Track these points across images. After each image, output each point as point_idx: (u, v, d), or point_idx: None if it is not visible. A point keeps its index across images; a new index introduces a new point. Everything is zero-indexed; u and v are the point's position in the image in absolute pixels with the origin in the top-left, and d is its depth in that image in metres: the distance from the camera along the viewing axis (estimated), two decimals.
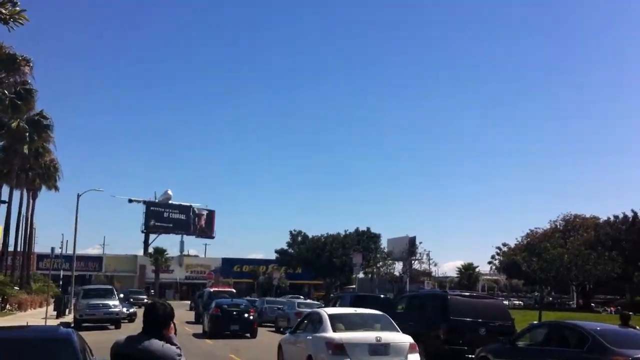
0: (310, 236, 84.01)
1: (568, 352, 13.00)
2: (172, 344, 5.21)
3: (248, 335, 29.62)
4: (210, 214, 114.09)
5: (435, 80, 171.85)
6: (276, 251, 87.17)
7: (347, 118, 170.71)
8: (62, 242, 71.62)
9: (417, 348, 14.76)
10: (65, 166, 77.30)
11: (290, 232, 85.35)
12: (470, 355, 16.93)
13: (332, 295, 56.52)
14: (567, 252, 45.11)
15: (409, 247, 73.63)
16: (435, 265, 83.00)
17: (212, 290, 45.24)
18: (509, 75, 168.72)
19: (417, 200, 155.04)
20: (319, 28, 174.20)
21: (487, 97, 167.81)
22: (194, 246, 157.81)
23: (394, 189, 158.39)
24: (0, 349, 7.56)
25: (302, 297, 58.87)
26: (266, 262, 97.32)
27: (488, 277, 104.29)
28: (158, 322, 5.24)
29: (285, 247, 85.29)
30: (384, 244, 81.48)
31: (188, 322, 39.57)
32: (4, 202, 49.99)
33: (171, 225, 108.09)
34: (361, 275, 76.60)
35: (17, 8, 17.76)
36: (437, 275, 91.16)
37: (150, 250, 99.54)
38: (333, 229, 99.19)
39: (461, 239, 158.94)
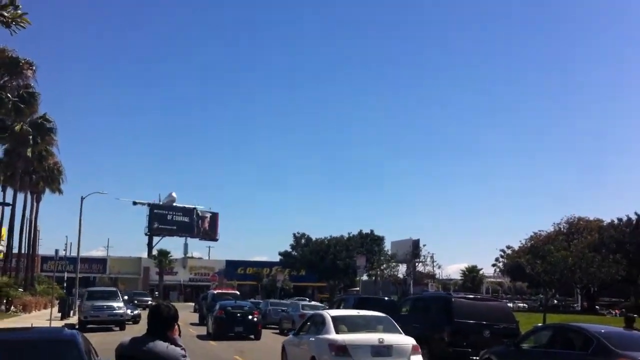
0: (314, 239, 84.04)
1: (573, 354, 12.97)
2: (177, 345, 5.22)
3: (252, 337, 29.67)
4: (214, 217, 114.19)
5: (436, 80, 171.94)
6: (280, 253, 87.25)
7: (350, 119, 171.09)
8: (66, 244, 71.78)
9: (420, 350, 14.81)
10: (69, 169, 77.77)
11: (294, 234, 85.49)
12: (474, 358, 16.90)
13: (335, 297, 56.51)
14: (571, 254, 45.03)
15: (413, 250, 73.52)
16: (439, 267, 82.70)
17: (216, 292, 45.32)
18: (512, 76, 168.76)
19: (421, 203, 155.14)
20: (319, 28, 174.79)
21: (490, 98, 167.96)
22: (198, 249, 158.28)
23: (398, 191, 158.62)
24: (5, 350, 7.60)
25: (307, 299, 58.84)
26: (270, 265, 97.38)
27: (492, 279, 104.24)
28: (162, 323, 5.25)
29: (289, 250, 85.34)
30: (387, 246, 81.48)
31: (192, 324, 39.68)
32: (7, 204, 50.20)
33: (175, 227, 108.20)
34: (365, 277, 76.58)
35: (19, 11, 17.75)
36: (441, 278, 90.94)
37: (154, 252, 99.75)
38: (337, 231, 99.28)
39: (465, 242, 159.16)
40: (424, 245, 75.12)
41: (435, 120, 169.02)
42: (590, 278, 49.96)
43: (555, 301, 70.21)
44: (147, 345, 5.14)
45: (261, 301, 50.06)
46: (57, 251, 50.01)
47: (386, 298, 37.59)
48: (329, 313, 16.26)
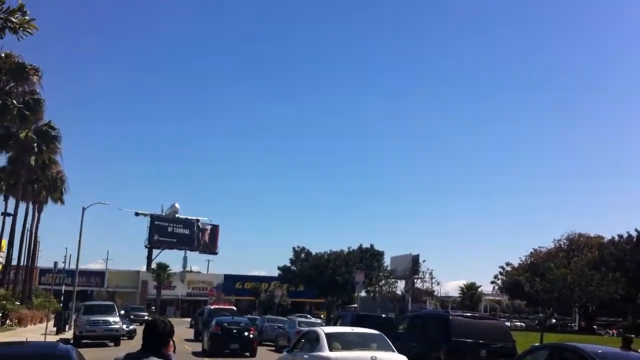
0: (313, 253, 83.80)
1: None
2: None
3: (247, 354, 29.47)
4: (214, 229, 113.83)
5: (438, 96, 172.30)
6: (279, 268, 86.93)
7: (350, 134, 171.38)
8: (65, 256, 71.70)
9: None
10: (71, 178, 77.58)
11: (294, 248, 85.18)
12: None
13: (333, 314, 56.30)
14: (571, 272, 44.88)
15: (412, 265, 73.28)
16: (438, 284, 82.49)
17: (212, 307, 45.10)
18: (513, 93, 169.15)
19: (421, 218, 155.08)
20: (318, 38, 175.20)
21: (491, 114, 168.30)
22: (197, 262, 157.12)
23: (398, 206, 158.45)
24: None
25: (309, 315, 58.51)
26: (268, 279, 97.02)
27: (491, 297, 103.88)
28: (157, 339, 5.24)
29: (288, 264, 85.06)
30: (387, 261, 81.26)
31: (187, 340, 39.37)
32: (9, 214, 49.82)
33: (175, 240, 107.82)
34: (363, 293, 76.25)
35: (27, 17, 17.81)
36: (439, 295, 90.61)
37: (153, 265, 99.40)
38: (337, 245, 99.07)
39: (465, 257, 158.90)
40: (424, 261, 74.91)
41: (438, 137, 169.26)
42: (589, 297, 49.72)
43: (554, 320, 69.92)
44: None
45: (258, 317, 49.84)
46: (55, 263, 50.02)
47: (383, 315, 37.47)
48: (323, 330, 16.22)
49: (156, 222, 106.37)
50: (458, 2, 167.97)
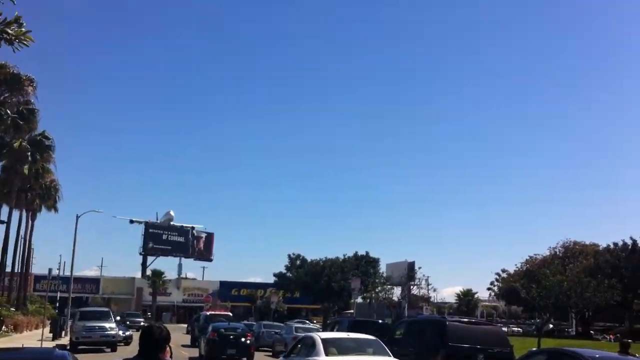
0: (309, 260, 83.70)
1: None
2: None
3: (245, 359, 29.43)
4: (209, 237, 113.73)
5: (432, 103, 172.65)
6: (275, 275, 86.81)
7: (347, 143, 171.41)
8: (59, 263, 71.38)
9: None
10: (65, 187, 77.50)
11: (289, 255, 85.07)
12: None
13: (329, 320, 56.16)
14: (567, 279, 44.99)
15: (408, 272, 73.39)
16: (434, 290, 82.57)
17: (208, 313, 45.02)
18: (506, 100, 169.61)
19: (415, 227, 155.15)
20: (322, 53, 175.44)
21: (486, 122, 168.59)
22: (192, 269, 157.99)
23: (392, 216, 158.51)
24: None
25: (307, 321, 58.33)
26: (264, 286, 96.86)
27: (487, 303, 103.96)
28: (154, 345, 5.22)
29: (284, 271, 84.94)
30: (382, 268, 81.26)
31: (184, 346, 39.33)
32: (2, 222, 49.89)
33: (169, 247, 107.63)
34: (359, 300, 76.23)
35: (23, 29, 17.78)
36: (435, 301, 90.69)
37: (148, 272, 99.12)
38: (332, 253, 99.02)
39: (460, 265, 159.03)
40: (419, 268, 75.07)
41: (435, 145, 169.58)
42: (585, 303, 49.88)
43: (551, 325, 69.99)
44: None
45: (254, 323, 49.73)
46: (50, 270, 49.94)
47: (380, 321, 37.41)
48: (319, 335, 16.30)
49: (151, 230, 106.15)
50: (450, 14, 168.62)
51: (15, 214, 53.27)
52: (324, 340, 15.28)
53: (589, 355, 12.88)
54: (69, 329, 40.50)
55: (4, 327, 42.63)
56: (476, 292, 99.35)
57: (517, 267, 76.87)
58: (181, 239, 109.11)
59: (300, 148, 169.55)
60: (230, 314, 47.33)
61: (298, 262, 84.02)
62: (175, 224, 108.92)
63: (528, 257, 77.51)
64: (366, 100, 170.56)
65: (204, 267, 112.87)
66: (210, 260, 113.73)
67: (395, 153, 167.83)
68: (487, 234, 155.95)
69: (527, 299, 49.74)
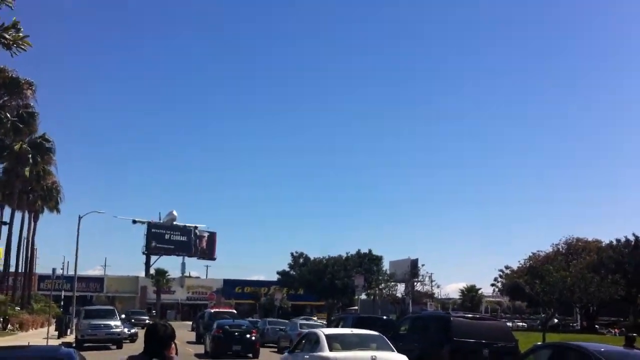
0: (312, 258, 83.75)
1: None
2: None
3: (250, 355, 29.58)
4: (212, 236, 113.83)
5: (435, 102, 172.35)
6: (278, 273, 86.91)
7: (348, 142, 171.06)
8: (63, 263, 71.65)
9: None
10: (67, 188, 77.67)
11: (292, 253, 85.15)
12: None
13: (333, 316, 56.24)
14: (570, 275, 44.98)
15: (411, 269, 73.29)
16: (438, 287, 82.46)
17: (213, 311, 45.12)
18: (509, 98, 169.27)
19: (419, 224, 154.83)
20: (322, 53, 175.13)
21: (490, 119, 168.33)
22: (195, 268, 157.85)
23: (395, 213, 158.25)
24: None
25: (315, 318, 58.31)
26: (268, 284, 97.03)
27: (491, 298, 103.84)
28: (159, 342, 5.24)
29: (287, 269, 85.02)
30: (386, 266, 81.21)
31: (189, 342, 39.52)
32: (5, 223, 50.21)
33: (172, 247, 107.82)
34: (364, 296, 76.23)
35: (21, 34, 17.87)
36: (439, 297, 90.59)
37: (152, 271, 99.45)
38: (335, 251, 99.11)
39: (464, 261, 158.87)
40: (423, 265, 74.94)
41: (437, 142, 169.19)
42: (589, 298, 49.86)
43: (556, 320, 69.94)
44: None
45: (259, 320, 49.81)
46: (54, 270, 50.14)
47: (384, 317, 37.47)
48: (323, 331, 16.43)
49: (153, 230, 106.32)
50: (450, 14, 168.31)
51: (18, 215, 53.79)
52: (327, 336, 15.43)
53: (594, 350, 12.86)
54: (74, 327, 40.65)
55: (9, 326, 42.83)
56: (480, 288, 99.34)
57: (520, 264, 76.77)
58: (184, 239, 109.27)
59: (300, 148, 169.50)
60: (235, 312, 47.44)
61: (301, 260, 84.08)
62: (178, 223, 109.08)
63: (531, 254, 77.41)
64: (366, 100, 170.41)
65: (207, 266, 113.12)
66: (213, 259, 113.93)
67: (395, 153, 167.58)
68: (488, 233, 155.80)
69: (531, 294, 49.69)
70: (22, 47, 17.86)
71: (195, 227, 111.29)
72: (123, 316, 44.02)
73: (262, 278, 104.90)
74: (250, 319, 52.09)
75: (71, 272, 58.63)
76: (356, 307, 69.61)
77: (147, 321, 56.07)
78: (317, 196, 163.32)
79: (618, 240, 69.45)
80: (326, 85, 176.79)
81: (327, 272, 77.95)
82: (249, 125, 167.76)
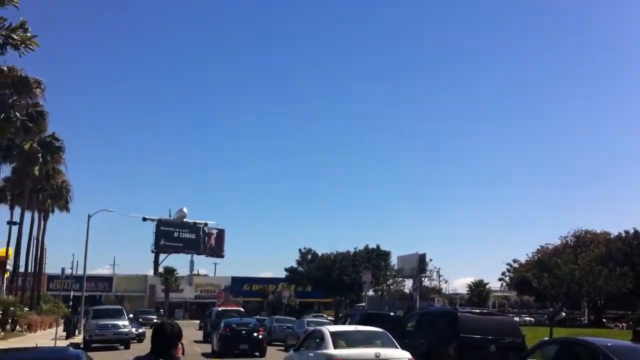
0: (319, 254, 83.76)
1: None
2: None
3: (257, 354, 29.54)
4: (220, 233, 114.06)
5: (438, 96, 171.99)
6: (286, 269, 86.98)
7: (355, 137, 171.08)
8: (72, 262, 71.87)
9: None
10: (77, 187, 77.87)
11: (300, 250, 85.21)
12: None
13: (341, 313, 56.26)
14: (578, 268, 44.83)
15: (419, 264, 73.17)
16: (446, 282, 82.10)
17: (220, 309, 45.17)
18: (518, 89, 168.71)
19: (427, 217, 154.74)
20: (322, 53, 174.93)
21: (495, 112, 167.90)
22: (204, 265, 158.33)
23: (404, 206, 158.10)
24: None
25: (325, 315, 58.29)
26: (276, 281, 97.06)
27: (499, 293, 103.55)
28: (166, 342, 5.26)
29: (295, 266, 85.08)
30: (393, 261, 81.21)
31: (196, 341, 39.52)
32: (15, 223, 50.28)
33: (181, 244, 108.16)
34: (371, 292, 76.21)
35: (28, 34, 17.94)
36: (447, 292, 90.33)
37: (161, 269, 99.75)
38: (342, 246, 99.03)
39: (471, 256, 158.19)
40: (431, 260, 74.86)
41: (445, 135, 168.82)
42: (597, 291, 49.69)
43: (563, 314, 69.76)
44: None
45: (267, 318, 49.85)
46: (63, 270, 50.27)
47: (392, 314, 37.50)
48: (328, 329, 16.65)
49: (162, 228, 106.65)
50: (450, 14, 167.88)
51: (28, 215, 53.72)
52: (332, 334, 15.65)
53: (601, 344, 12.83)
54: (82, 328, 40.75)
55: (17, 327, 42.95)
56: (487, 283, 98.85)
57: (528, 257, 76.57)
58: (192, 236, 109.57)
59: (301, 148, 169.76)
60: (242, 309, 47.49)
61: (309, 256, 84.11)
62: (188, 220, 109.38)
63: (539, 247, 77.17)
64: (366, 100, 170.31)
65: (215, 264, 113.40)
66: (222, 256, 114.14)
67: (396, 150, 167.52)
68: (496, 227, 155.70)
69: (538, 288, 49.51)
70: (30, 47, 17.93)
71: (205, 224, 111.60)
72: (131, 316, 44.10)
73: (270, 275, 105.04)
74: (258, 316, 52.16)
75: (80, 272, 58.79)
76: (364, 304, 69.65)
77: (155, 320, 56.23)
78: (325, 192, 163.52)
79: (627, 232, 69.13)
80: (326, 85, 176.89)
81: (335, 268, 77.96)
82: (249, 125, 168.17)
